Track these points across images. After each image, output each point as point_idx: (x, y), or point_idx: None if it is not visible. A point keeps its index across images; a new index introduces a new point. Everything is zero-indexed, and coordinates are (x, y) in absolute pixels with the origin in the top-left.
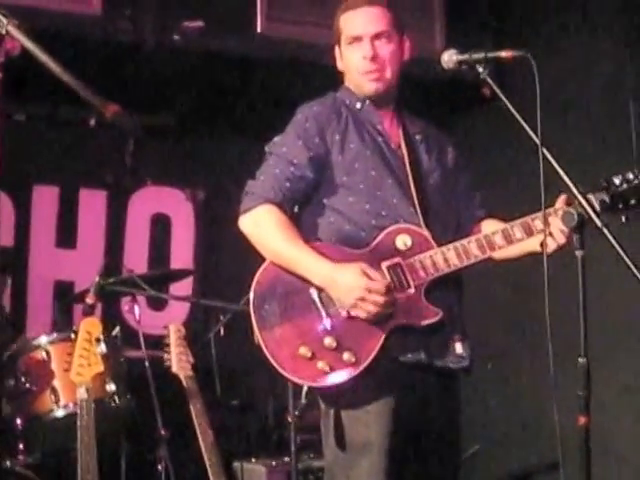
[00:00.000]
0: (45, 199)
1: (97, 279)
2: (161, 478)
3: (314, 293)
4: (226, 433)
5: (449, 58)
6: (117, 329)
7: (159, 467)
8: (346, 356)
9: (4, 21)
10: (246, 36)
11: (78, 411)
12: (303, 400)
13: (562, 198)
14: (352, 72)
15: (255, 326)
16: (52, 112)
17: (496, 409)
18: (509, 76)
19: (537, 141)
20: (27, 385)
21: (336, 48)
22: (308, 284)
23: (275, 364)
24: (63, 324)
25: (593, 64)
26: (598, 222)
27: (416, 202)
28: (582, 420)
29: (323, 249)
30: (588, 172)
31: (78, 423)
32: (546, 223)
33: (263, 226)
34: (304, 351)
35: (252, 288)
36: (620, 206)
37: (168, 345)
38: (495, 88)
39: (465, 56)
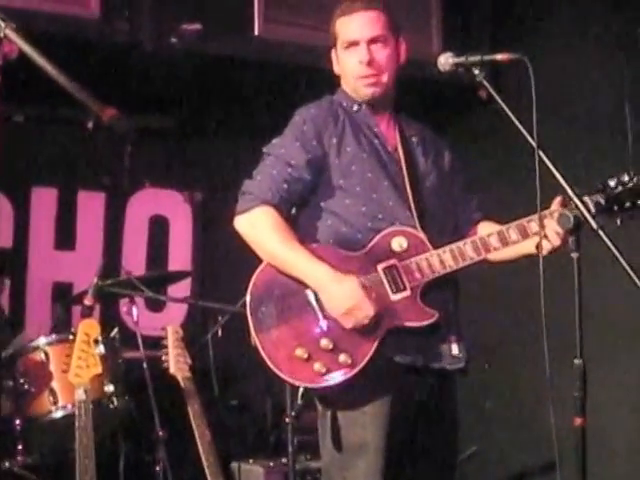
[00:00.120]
0: (44, 201)
1: (95, 281)
2: (159, 479)
3: (310, 295)
4: (224, 434)
5: (445, 61)
6: (115, 330)
7: (157, 468)
8: (342, 357)
9: (2, 25)
10: (244, 39)
11: (76, 412)
12: (299, 401)
13: (558, 200)
14: (348, 76)
15: (252, 328)
16: (51, 114)
17: (493, 410)
18: (505, 78)
19: (533, 143)
20: (26, 386)
21: (332, 52)
22: (304, 286)
23: (272, 366)
24: (63, 326)
25: (589, 67)
26: (593, 224)
27: (412, 205)
28: (578, 421)
29: (320, 251)
30: (584, 174)
31: (76, 424)
32: (542, 225)
33: (259, 227)
34: (300, 352)
35: (249, 290)
36: (615, 208)
37: (166, 346)
38: (491, 91)
39: (461, 59)
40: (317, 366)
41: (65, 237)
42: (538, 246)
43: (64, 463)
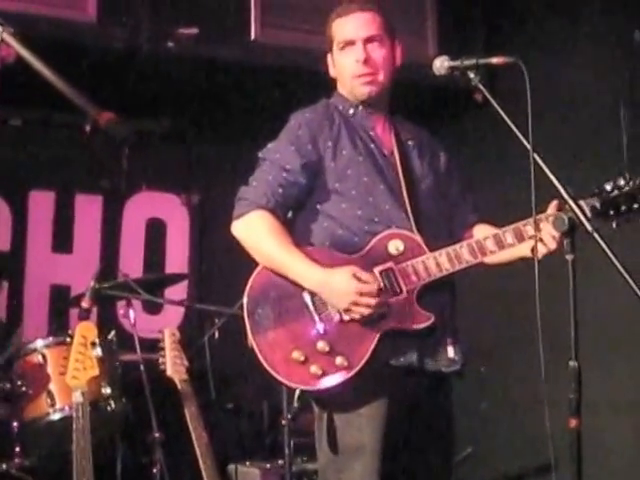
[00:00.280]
0: (41, 204)
1: (93, 283)
2: None
3: (307, 297)
4: (220, 436)
5: (441, 64)
6: (112, 333)
7: (154, 470)
8: (339, 360)
9: None
10: (240, 43)
11: (74, 414)
12: (296, 403)
13: (553, 204)
14: (345, 77)
15: (248, 330)
16: (48, 117)
17: (488, 412)
18: (501, 81)
19: (528, 146)
20: (23, 388)
21: (328, 56)
22: (301, 288)
23: (268, 368)
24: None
25: (584, 69)
26: (588, 226)
27: (408, 208)
28: (573, 423)
29: (316, 254)
30: (579, 178)
31: (74, 426)
32: (537, 229)
33: (256, 232)
34: (297, 355)
35: (245, 292)
36: (611, 212)
37: (163, 349)
38: (486, 94)
39: (457, 62)
40: (313, 369)
41: (63, 240)
42: (534, 249)
43: (61, 465)
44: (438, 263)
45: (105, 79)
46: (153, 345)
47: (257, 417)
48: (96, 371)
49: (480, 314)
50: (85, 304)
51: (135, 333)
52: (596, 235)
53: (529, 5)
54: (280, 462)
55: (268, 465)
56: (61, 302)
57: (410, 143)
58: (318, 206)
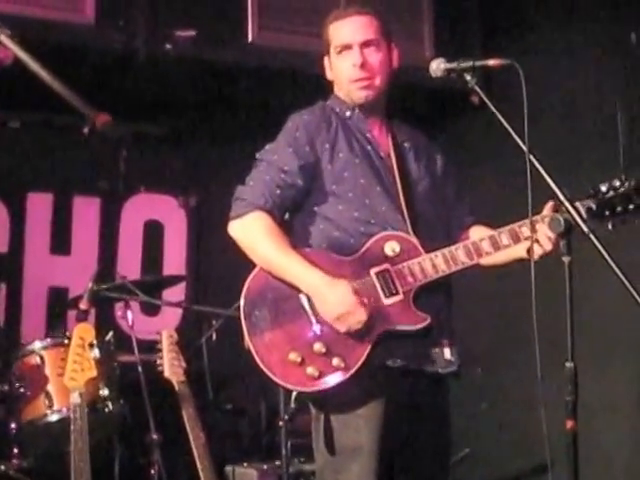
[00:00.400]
0: (39, 206)
1: (91, 285)
2: None
3: (304, 299)
4: (218, 437)
5: (437, 67)
6: (110, 334)
7: (152, 471)
8: (335, 361)
9: None
10: (237, 45)
11: (71, 415)
12: (293, 404)
13: (549, 205)
14: (342, 81)
15: (245, 332)
16: (46, 119)
17: (485, 413)
18: (498, 83)
19: (524, 148)
20: (21, 390)
21: (325, 58)
22: (298, 290)
23: (265, 369)
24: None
25: (581, 71)
26: (584, 228)
27: (404, 210)
28: (570, 424)
29: (313, 256)
30: (575, 179)
31: (71, 427)
32: (533, 230)
33: (253, 233)
34: (294, 356)
35: (243, 294)
36: (607, 213)
37: (161, 350)
38: (483, 96)
39: (453, 65)
40: (310, 370)
41: (60, 242)
42: (530, 250)
43: (59, 466)
44: (434, 264)
45: (103, 81)
46: (151, 346)
47: (254, 418)
48: (94, 372)
49: (477, 316)
50: (83, 306)
51: (133, 334)
52: (592, 236)
53: (525, 8)
54: (277, 463)
55: (265, 466)
56: (59, 304)
57: (407, 145)
58: (315, 208)
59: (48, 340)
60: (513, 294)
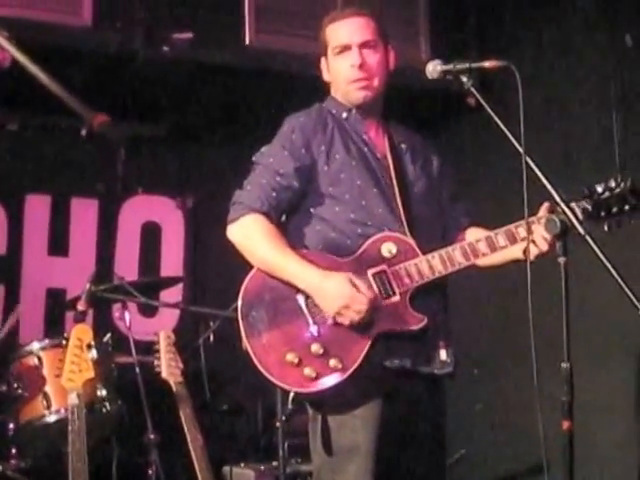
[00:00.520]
0: (37, 208)
1: (88, 286)
2: None
3: (301, 300)
4: (215, 438)
5: (433, 68)
6: (108, 335)
7: (149, 472)
8: (332, 362)
9: None
10: (235, 48)
11: (69, 416)
12: (290, 405)
13: (545, 206)
14: (340, 81)
15: (243, 333)
16: (44, 122)
17: (481, 414)
18: (494, 85)
19: (520, 150)
20: (19, 391)
21: (322, 60)
22: (295, 291)
23: (262, 370)
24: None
25: (576, 73)
26: (580, 229)
27: (401, 211)
28: (566, 424)
29: (310, 257)
30: (571, 180)
31: (69, 428)
32: (529, 231)
33: (250, 235)
34: (291, 357)
35: (240, 295)
36: (602, 214)
37: (158, 351)
38: (479, 98)
39: (449, 66)
40: (307, 371)
41: (58, 243)
42: (526, 251)
43: (57, 467)
44: (431, 266)
45: (100, 84)
46: (148, 347)
47: (251, 419)
48: (92, 373)
49: (473, 317)
50: (81, 307)
51: (130, 335)
52: (588, 237)
53: (521, 10)
54: (274, 463)
55: (262, 466)
56: (57, 305)
57: (403, 147)
58: (311, 210)
59: (46, 341)
60: (509, 295)
